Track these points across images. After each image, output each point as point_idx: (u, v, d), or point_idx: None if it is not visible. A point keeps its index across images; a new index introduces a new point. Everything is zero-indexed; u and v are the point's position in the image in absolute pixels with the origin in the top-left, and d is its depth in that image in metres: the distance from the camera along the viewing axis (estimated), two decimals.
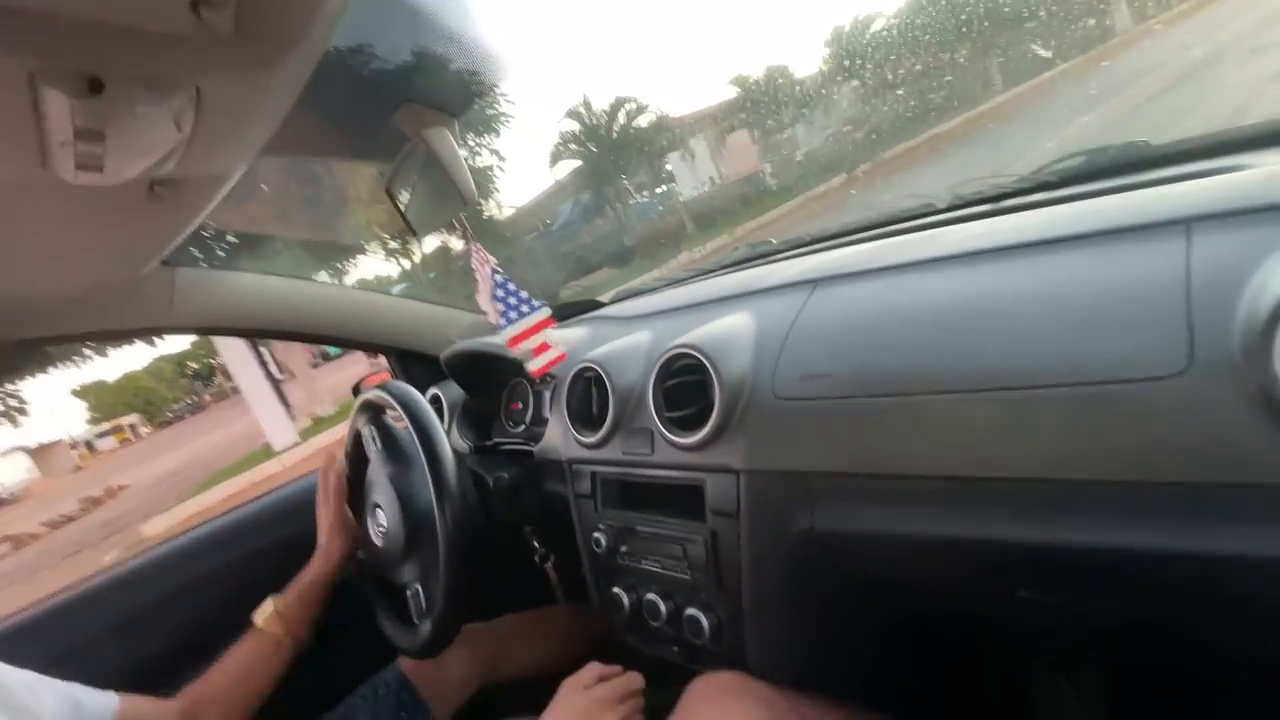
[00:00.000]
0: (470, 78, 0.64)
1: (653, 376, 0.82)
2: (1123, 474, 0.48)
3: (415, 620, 0.94)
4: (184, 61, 0.45)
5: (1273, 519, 0.43)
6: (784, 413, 0.71)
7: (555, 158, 13.26)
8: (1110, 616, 0.58)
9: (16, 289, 0.88)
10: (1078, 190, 0.79)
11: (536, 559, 1.06)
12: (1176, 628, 0.59)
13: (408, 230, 0.78)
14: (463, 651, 1.04)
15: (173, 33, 0.41)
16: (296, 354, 11.23)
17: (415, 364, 1.42)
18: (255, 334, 1.25)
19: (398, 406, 0.89)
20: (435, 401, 1.32)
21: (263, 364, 11.89)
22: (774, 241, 1.24)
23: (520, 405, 1.29)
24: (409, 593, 0.96)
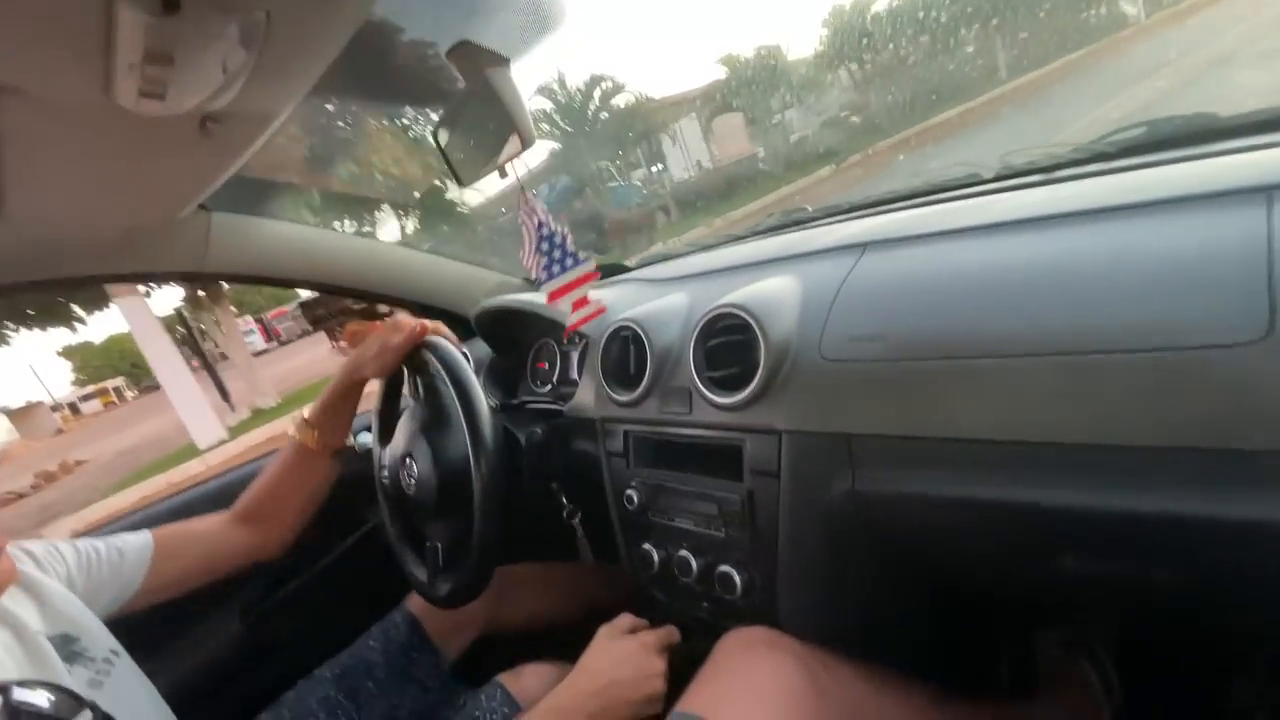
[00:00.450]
0: (529, 19, 0.62)
1: (694, 336, 0.82)
2: (1198, 440, 0.47)
3: (438, 571, 0.96)
4: None
5: None
6: (830, 374, 0.70)
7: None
8: (1156, 588, 0.58)
9: (54, 227, 0.88)
10: (1138, 160, 0.77)
11: (564, 514, 1.07)
12: (1224, 600, 0.59)
13: (454, 178, 0.77)
14: None
15: None
16: (236, 340, 10.52)
17: (442, 321, 1.42)
18: (287, 283, 1.25)
19: (438, 362, 0.89)
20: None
21: (198, 351, 11.05)
22: (809, 209, 1.22)
23: (546, 365, 1.30)
24: (433, 544, 0.97)
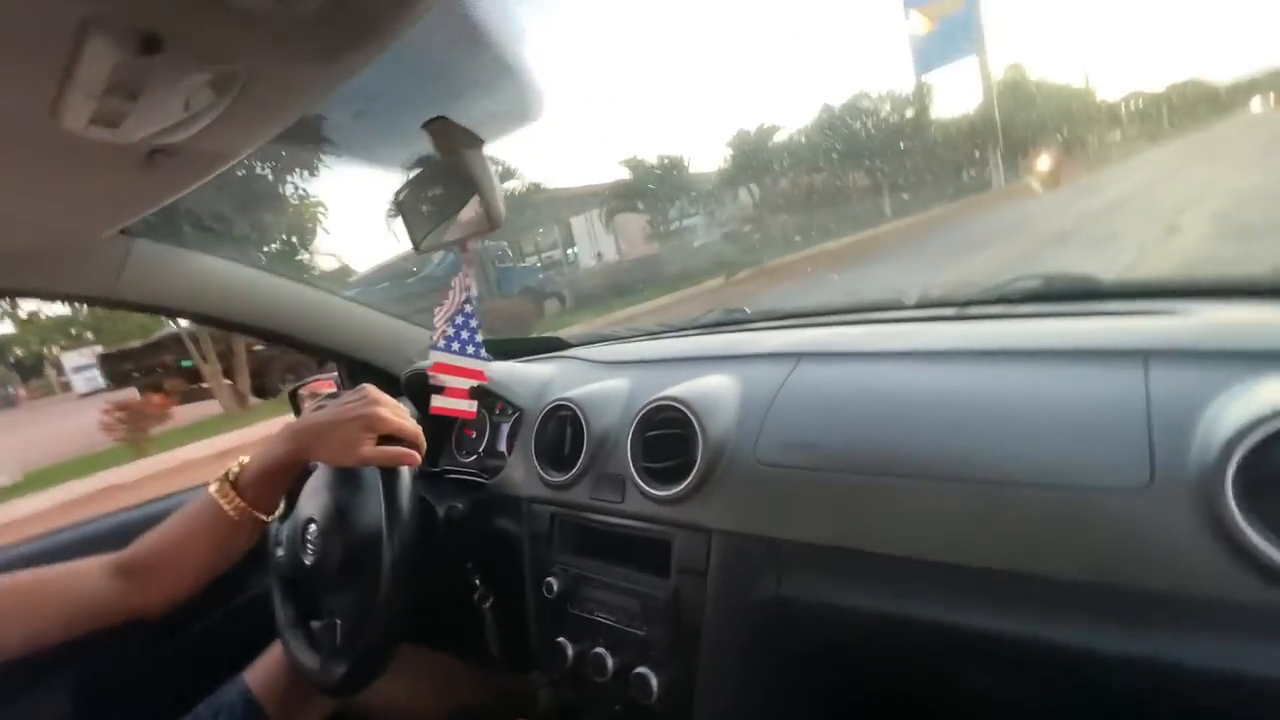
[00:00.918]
0: (511, 108, 0.65)
1: (634, 424, 0.82)
2: (1088, 575, 0.52)
3: (326, 654, 0.87)
4: (252, 39, 0.44)
5: (1215, 632, 0.47)
6: (764, 478, 0.72)
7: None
8: (1052, 714, 0.60)
9: None
10: (1035, 309, 0.87)
11: (475, 598, 1.01)
12: None
13: (411, 242, 0.77)
14: None
15: (253, 8, 0.41)
16: None
17: (368, 377, 1.36)
18: (204, 319, 1.17)
19: (381, 486, 0.84)
20: None
21: None
22: (748, 310, 1.28)
23: (474, 434, 1.26)
24: (330, 621, 0.88)
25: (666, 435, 0.81)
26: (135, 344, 9.32)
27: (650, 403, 0.81)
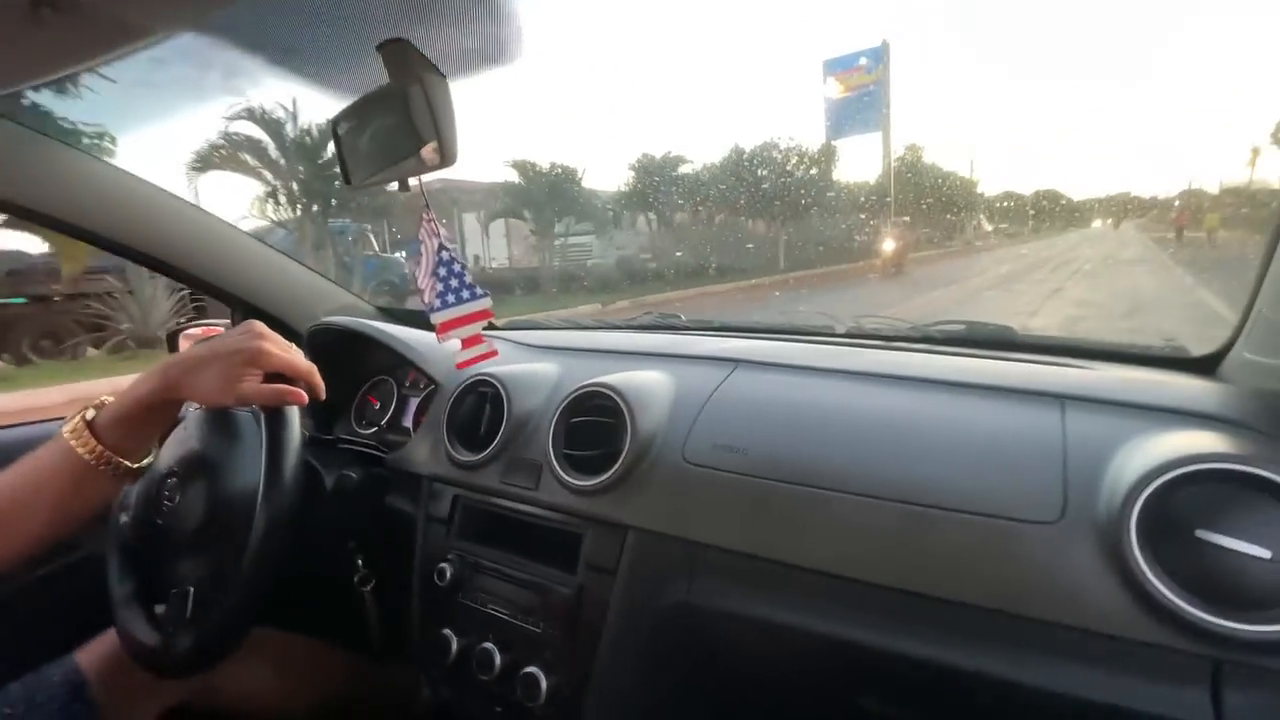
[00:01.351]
0: (486, 45, 0.60)
1: (560, 408, 0.78)
2: (996, 602, 0.52)
3: (172, 627, 0.75)
4: None
5: (1108, 666, 0.49)
6: (689, 478, 0.70)
7: (206, 164, 9.28)
8: None
9: None
10: (957, 350, 0.91)
11: (356, 579, 0.92)
12: None
13: (343, 175, 0.69)
14: None
15: None
16: None
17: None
18: (72, 230, 1.00)
19: (264, 431, 0.74)
20: None
21: None
22: (682, 317, 1.28)
23: (379, 404, 1.16)
24: (177, 590, 0.77)
25: (592, 424, 0.77)
26: None
27: (582, 387, 0.77)
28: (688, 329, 1.20)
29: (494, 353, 0.75)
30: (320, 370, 1.19)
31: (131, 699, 0.80)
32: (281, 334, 1.24)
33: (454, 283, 0.70)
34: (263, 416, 0.75)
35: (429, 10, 0.56)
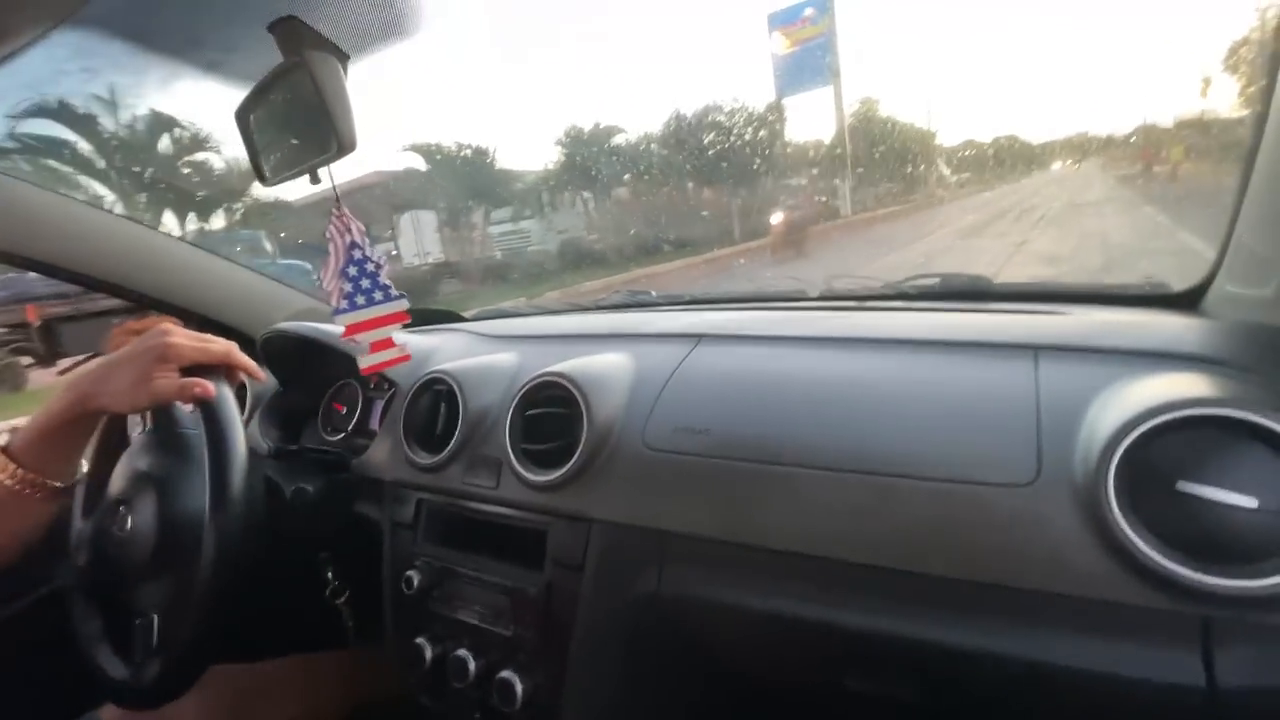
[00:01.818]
0: (380, 18, 0.55)
1: (514, 403, 0.74)
2: (972, 573, 0.49)
3: (140, 656, 0.73)
4: None
5: (1093, 633, 0.45)
6: (651, 464, 0.66)
7: None
8: (932, 714, 0.59)
9: None
10: (932, 305, 0.87)
11: (328, 593, 0.89)
12: None
13: (257, 175, 0.64)
14: (193, 701, 0.81)
15: None
16: None
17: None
18: (22, 262, 0.96)
19: (205, 425, 0.70)
20: (239, 388, 1.10)
21: None
22: (654, 293, 1.23)
23: (345, 410, 1.12)
24: (140, 621, 0.74)
25: (549, 415, 0.73)
26: None
27: (533, 379, 0.74)
28: (657, 305, 1.16)
29: (405, 357, 0.72)
30: (279, 379, 1.16)
31: None
32: (240, 344, 1.21)
33: (365, 283, 0.66)
34: (206, 437, 0.71)
35: None
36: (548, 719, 0.68)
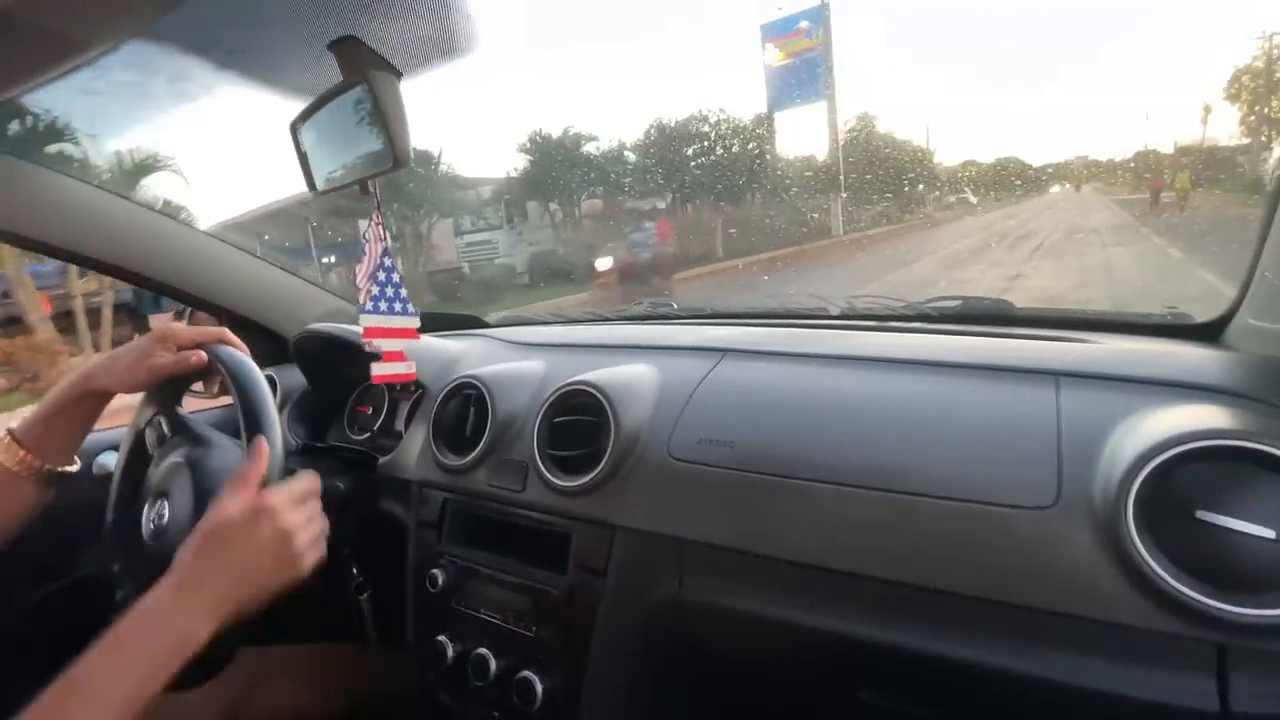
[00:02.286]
0: (436, 39, 0.57)
1: (543, 408, 0.76)
2: (990, 592, 0.50)
3: None
4: None
5: (1108, 655, 0.47)
6: (675, 474, 0.68)
7: None
8: None
9: None
10: (953, 328, 0.88)
11: (352, 588, 0.91)
12: None
13: (306, 180, 0.67)
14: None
15: None
16: None
17: (255, 338, 1.21)
18: (63, 254, 0.99)
19: (227, 376, 0.73)
20: (270, 384, 1.13)
21: None
22: (675, 305, 1.25)
23: (370, 410, 1.15)
24: None
25: (577, 423, 0.75)
26: None
27: (563, 387, 0.76)
28: (679, 318, 1.18)
29: (411, 375, 0.75)
30: (308, 377, 1.19)
31: None
32: (271, 342, 1.24)
33: (389, 291, 0.69)
34: (242, 429, 0.74)
35: (376, 5, 0.54)
36: (566, 718, 0.70)
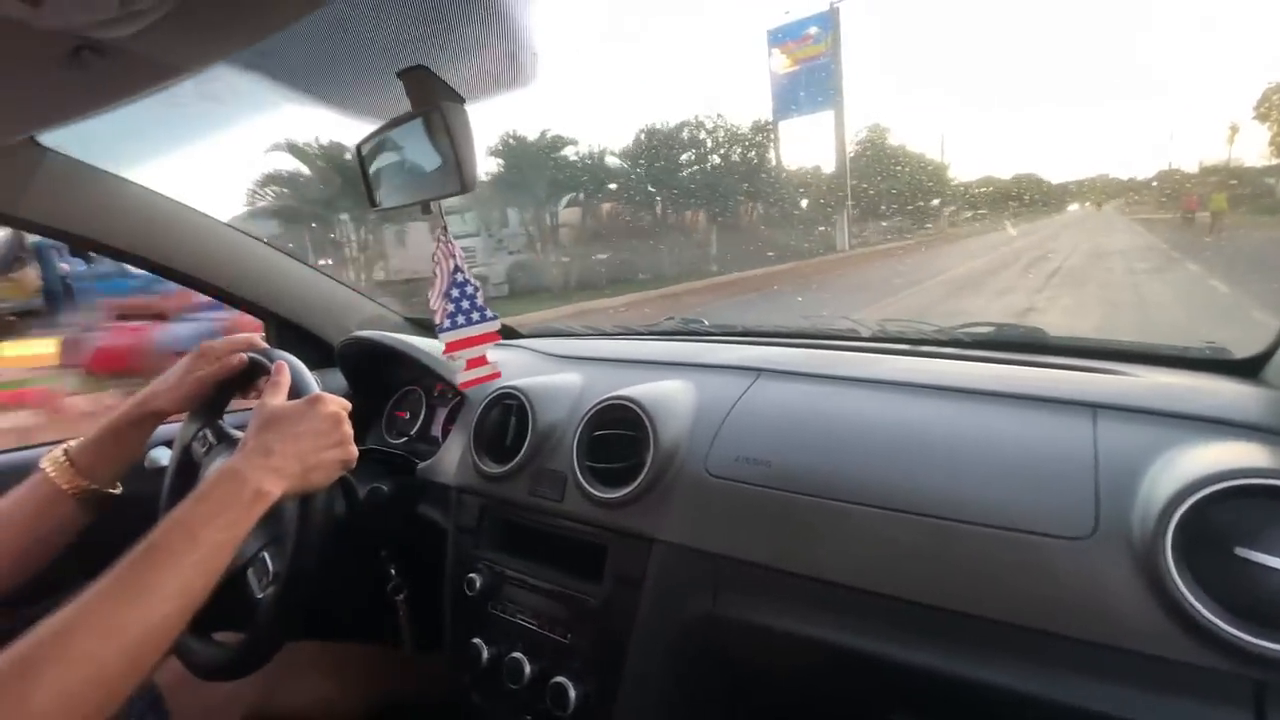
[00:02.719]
0: (502, 68, 0.61)
1: (583, 421, 0.79)
2: (1026, 619, 0.51)
3: (212, 627, 0.78)
4: None
5: (1142, 687, 0.47)
6: (712, 490, 0.70)
7: None
8: None
9: None
10: (986, 354, 0.89)
11: (389, 589, 0.94)
12: None
13: (367, 198, 0.71)
14: None
15: None
16: None
17: (298, 343, 1.26)
18: (118, 254, 1.05)
19: (257, 357, 0.77)
20: None
21: None
22: (705, 322, 1.27)
23: (408, 415, 1.19)
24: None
25: (615, 436, 0.77)
26: None
27: (603, 401, 0.78)
28: (710, 335, 1.20)
29: (496, 374, 0.77)
30: (350, 382, 1.23)
31: (207, 713, 0.84)
32: (313, 347, 1.27)
33: (465, 304, 0.72)
34: None
35: (447, 38, 0.57)
36: None
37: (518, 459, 0.83)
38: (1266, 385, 0.67)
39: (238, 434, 0.82)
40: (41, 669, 0.43)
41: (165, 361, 1.17)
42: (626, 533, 0.73)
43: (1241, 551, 0.46)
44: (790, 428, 0.72)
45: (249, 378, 0.81)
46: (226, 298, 1.21)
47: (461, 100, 0.62)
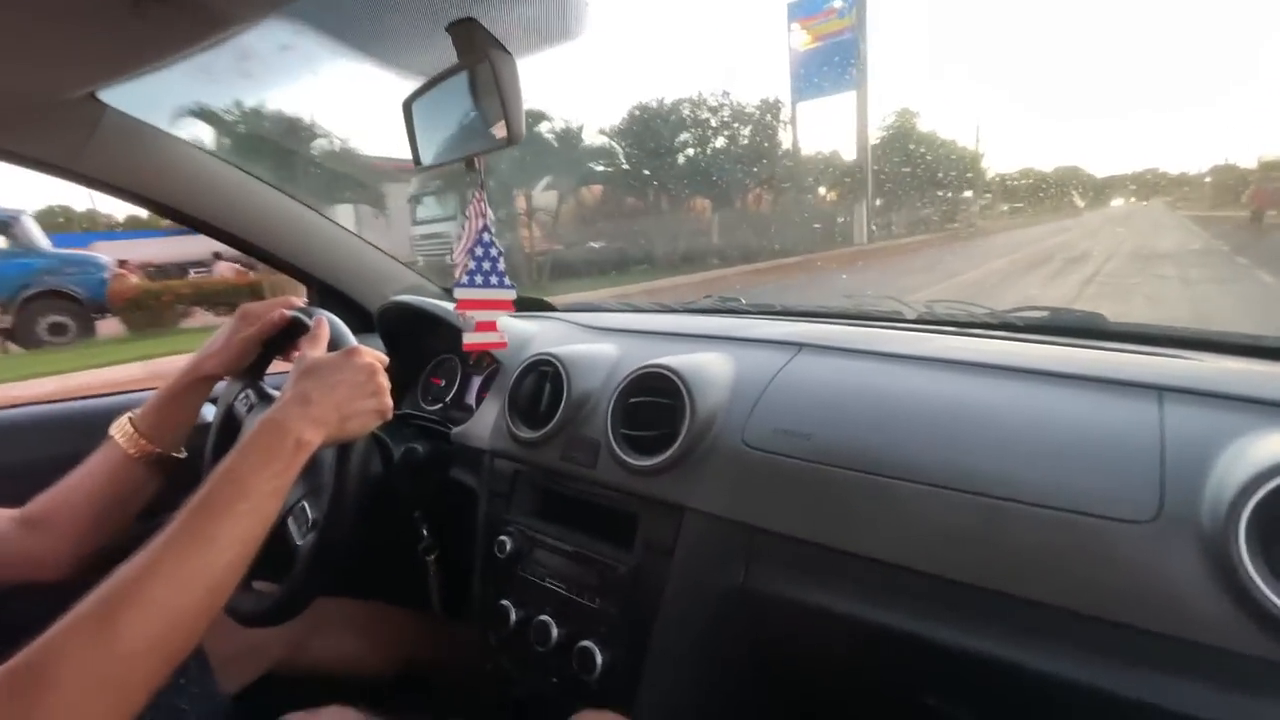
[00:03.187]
0: (550, 20, 0.60)
1: (619, 388, 0.78)
2: (1083, 605, 0.49)
3: (250, 575, 0.80)
4: None
5: (1208, 680, 0.45)
6: (748, 462, 0.68)
7: None
8: None
9: None
10: (1040, 338, 0.85)
11: (420, 549, 0.96)
12: None
13: (412, 154, 0.71)
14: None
15: None
16: None
17: (339, 308, 1.28)
18: (170, 212, 1.08)
19: (297, 314, 0.78)
20: None
21: None
22: (743, 300, 1.25)
23: (443, 382, 1.20)
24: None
25: (651, 405, 0.77)
26: None
27: (641, 368, 0.77)
28: (747, 312, 1.18)
29: (503, 343, 0.77)
30: (388, 347, 1.24)
31: (239, 658, 0.88)
32: (353, 312, 1.29)
33: (486, 265, 0.72)
34: None
35: None
36: (623, 691, 0.71)
37: (551, 424, 0.83)
38: None
39: (276, 394, 0.84)
40: (120, 615, 0.45)
41: None
42: (658, 500, 0.72)
43: None
44: (834, 401, 0.70)
45: (290, 335, 0.83)
46: (272, 260, 1.23)
47: (509, 53, 0.61)
